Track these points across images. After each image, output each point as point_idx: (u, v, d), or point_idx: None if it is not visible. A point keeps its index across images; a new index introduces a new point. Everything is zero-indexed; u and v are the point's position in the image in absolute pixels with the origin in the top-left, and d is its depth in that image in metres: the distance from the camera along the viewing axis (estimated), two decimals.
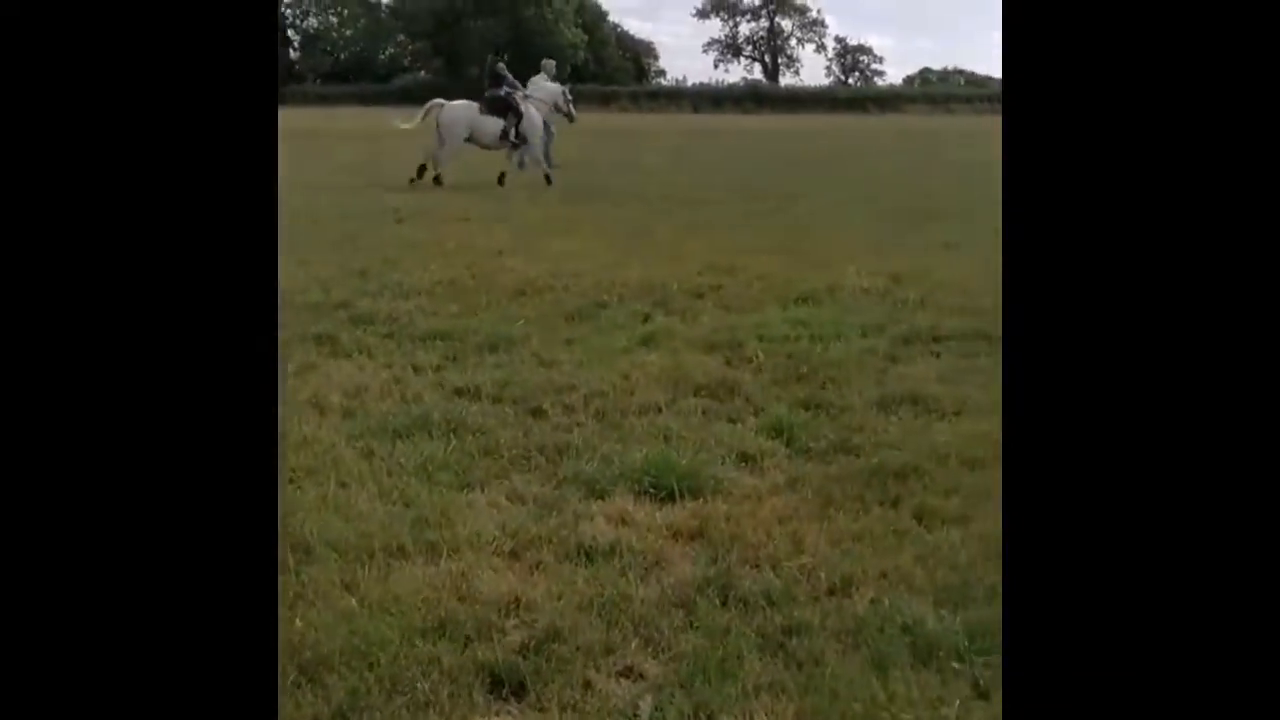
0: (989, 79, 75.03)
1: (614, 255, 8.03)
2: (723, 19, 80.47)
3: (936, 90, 65.58)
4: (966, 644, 2.44)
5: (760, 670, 2.38)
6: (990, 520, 3.13)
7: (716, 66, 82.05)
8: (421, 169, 14.20)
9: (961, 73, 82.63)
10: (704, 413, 4.26)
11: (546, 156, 15.36)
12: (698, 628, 2.55)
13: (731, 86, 68.10)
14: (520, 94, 15.12)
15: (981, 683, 2.33)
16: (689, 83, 71.62)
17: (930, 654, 2.43)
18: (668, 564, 2.90)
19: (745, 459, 3.74)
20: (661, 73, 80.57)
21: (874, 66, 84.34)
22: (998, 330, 5.55)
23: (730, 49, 79.92)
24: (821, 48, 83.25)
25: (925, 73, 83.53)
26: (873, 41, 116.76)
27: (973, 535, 3.05)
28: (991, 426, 4.01)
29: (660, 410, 4.28)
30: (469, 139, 14.61)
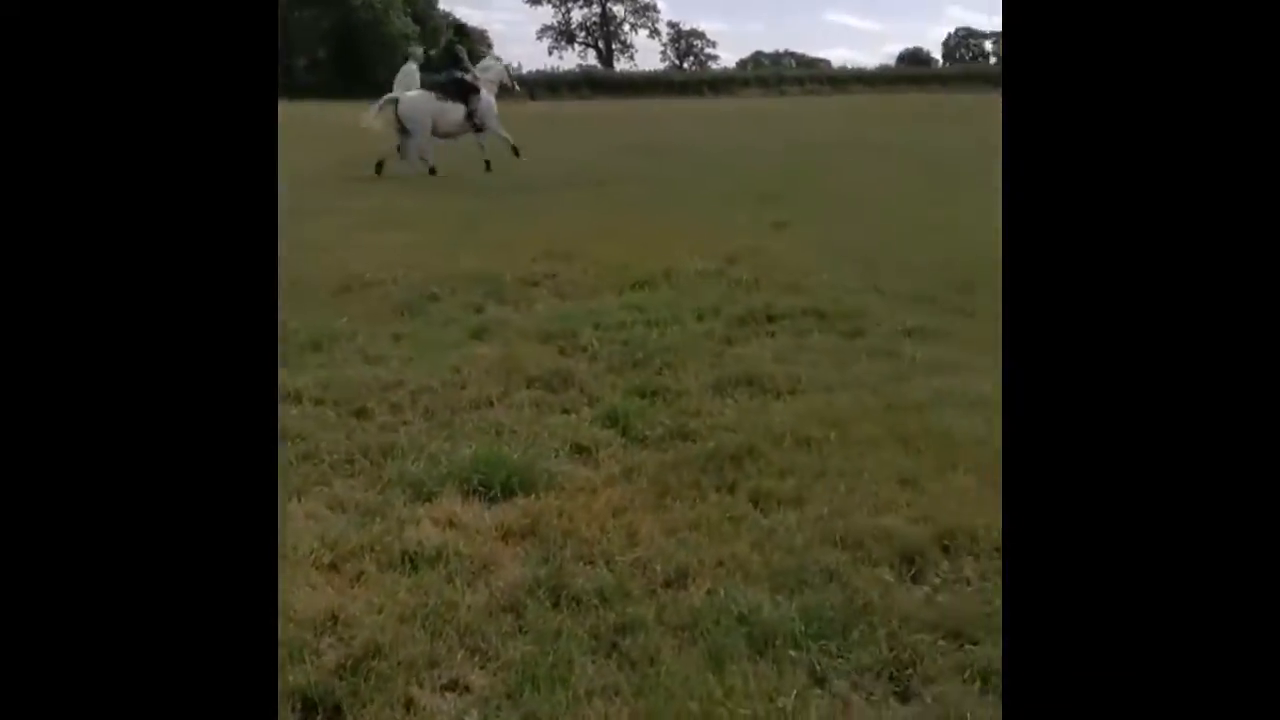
0: (818, 61, 76.97)
1: (448, 245, 7.81)
2: (554, 5, 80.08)
3: (769, 73, 66.65)
4: (802, 629, 2.39)
5: (593, 673, 2.28)
6: (823, 500, 3.11)
7: (551, 53, 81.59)
8: (379, 165, 13.70)
9: (792, 55, 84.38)
10: (537, 405, 4.14)
11: (503, 137, 14.70)
12: (527, 633, 2.43)
13: (567, 73, 67.78)
14: (470, 76, 14.53)
15: (818, 669, 2.28)
16: (524, 70, 71.08)
17: (767, 643, 2.37)
18: (497, 567, 2.77)
19: (580, 451, 3.63)
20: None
21: (708, 51, 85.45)
22: (830, 307, 5.61)
23: (564, 35, 79.62)
24: (655, 33, 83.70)
25: (758, 56, 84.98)
26: (706, 26, 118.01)
27: (808, 517, 3.01)
28: (825, 403, 4.02)
29: (492, 404, 4.14)
30: (434, 129, 14.03)
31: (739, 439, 3.62)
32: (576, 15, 79.53)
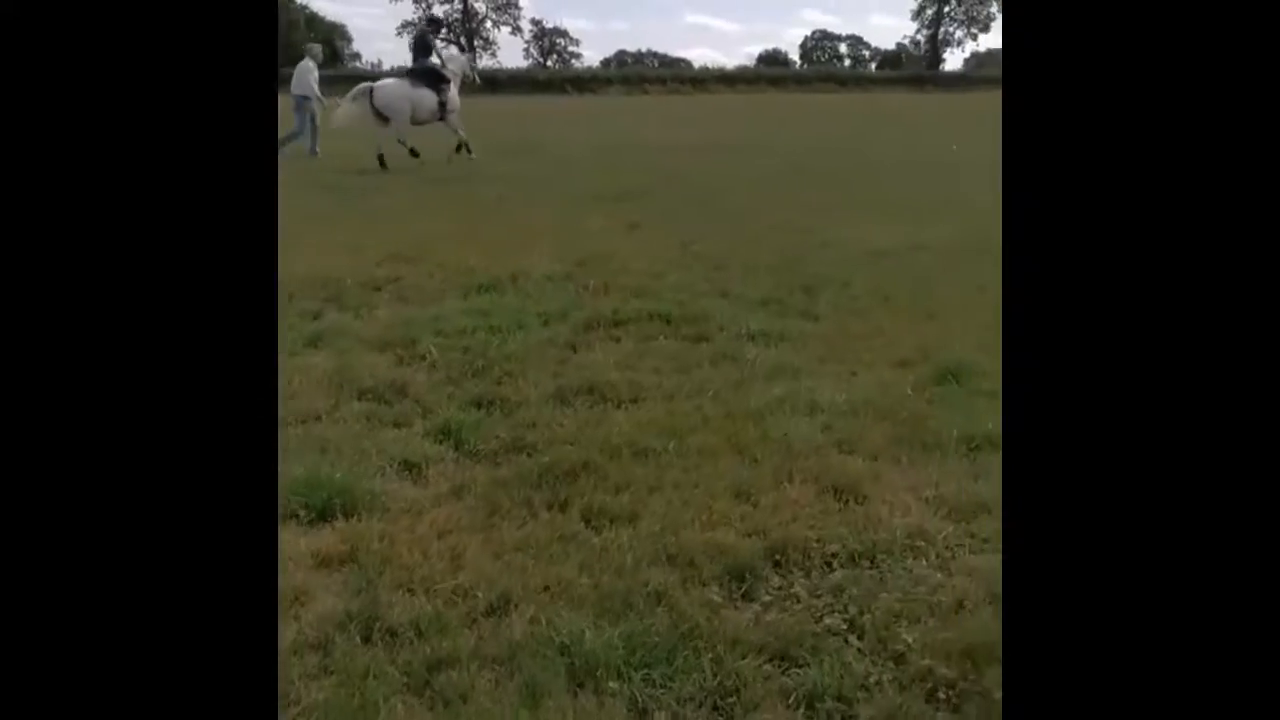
0: (680, 60, 77.60)
1: (287, 248, 7.49)
2: (415, 1, 78.71)
3: (631, 72, 66.86)
4: (625, 659, 2.30)
5: (402, 715, 2.14)
6: (657, 516, 3.03)
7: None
8: (381, 158, 13.91)
9: (655, 54, 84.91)
10: (368, 418, 3.95)
11: (459, 133, 14.97)
12: (333, 673, 2.28)
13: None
14: (442, 65, 14.85)
15: (639, 701, 2.19)
16: (385, 66, 69.56)
17: (588, 674, 2.27)
18: (308, 599, 2.60)
19: (409, 467, 3.47)
20: (356, 56, 77.94)
21: (571, 49, 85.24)
22: (676, 311, 5.55)
23: None
24: (518, 30, 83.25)
25: (621, 55, 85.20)
26: (569, 24, 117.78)
27: (640, 534, 2.92)
28: (665, 412, 3.95)
29: (320, 419, 3.93)
30: (412, 117, 14.24)
31: (576, 452, 3.52)
32: (438, 11, 78.23)
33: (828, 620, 2.49)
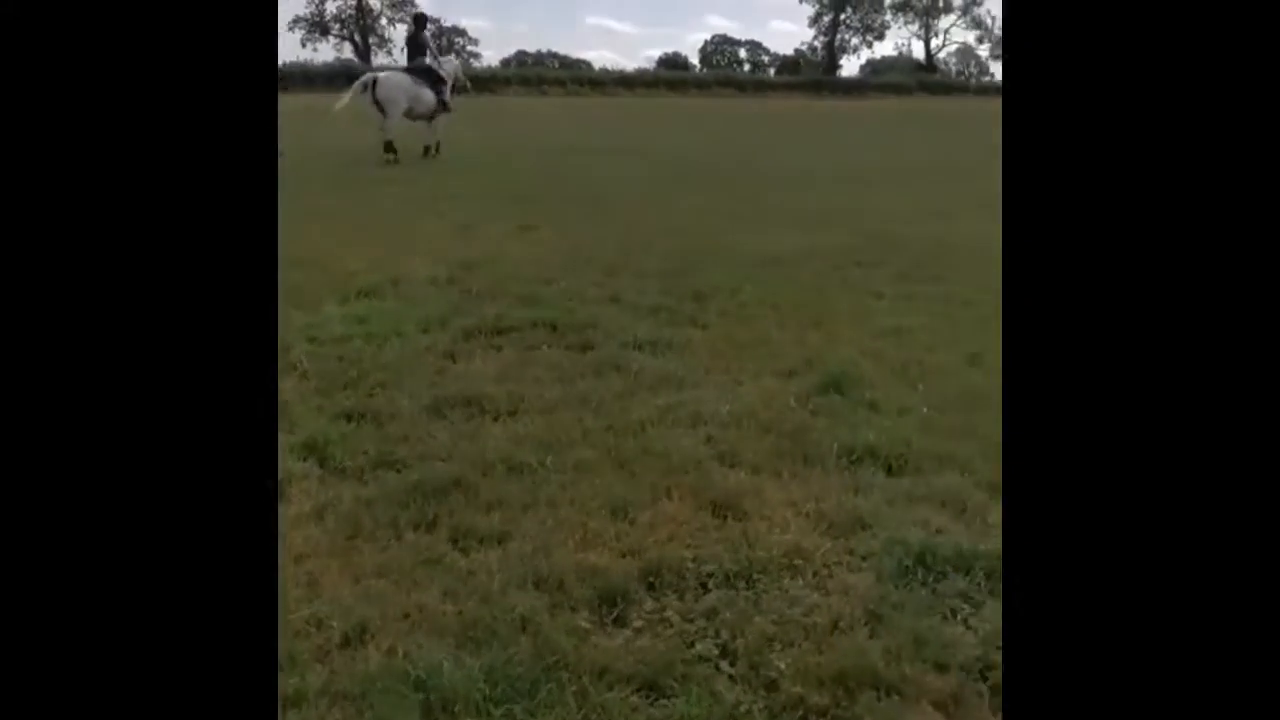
0: (580, 62, 77.45)
1: None
2: None
3: (531, 73, 66.42)
4: (485, 693, 2.18)
5: None
6: (529, 536, 2.91)
7: (304, 45, 77.70)
8: (389, 145, 14.26)
9: (555, 55, 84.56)
10: None
11: (436, 135, 15.36)
12: None
13: (325, 66, 65.29)
14: (438, 67, 15.25)
15: None
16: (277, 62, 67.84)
17: (445, 711, 2.14)
18: None
19: None
20: None
21: (470, 48, 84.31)
22: (562, 318, 5.43)
23: (317, 27, 76.33)
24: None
25: (521, 55, 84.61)
26: (468, 23, 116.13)
27: (510, 556, 2.80)
28: (544, 425, 3.83)
29: None
30: (407, 112, 14.59)
31: (447, 468, 3.38)
32: (331, 7, 76.55)
33: (700, 646, 2.40)
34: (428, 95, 14.86)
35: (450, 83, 15.50)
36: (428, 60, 15.27)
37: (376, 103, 14.41)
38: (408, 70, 15.09)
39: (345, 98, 14.67)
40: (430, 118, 15.19)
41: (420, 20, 16.42)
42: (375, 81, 14.50)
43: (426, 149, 15.15)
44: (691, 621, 2.51)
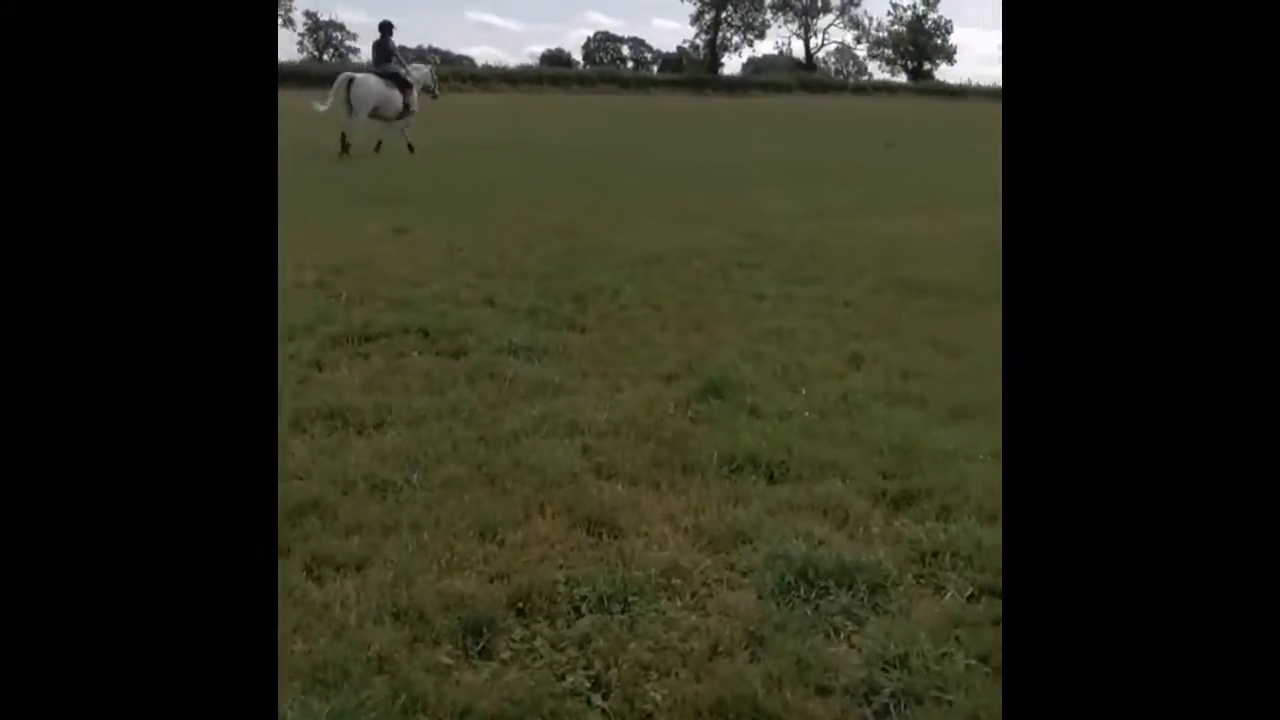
0: (462, 58, 76.45)
1: None
2: None
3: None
4: None
5: None
6: (390, 562, 2.72)
7: None
8: (344, 138, 14.89)
9: (436, 51, 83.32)
10: None
11: (407, 137, 15.96)
12: None
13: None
14: (405, 73, 16.03)
15: None
16: None
17: None
18: None
19: None
20: None
21: (348, 43, 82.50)
22: (435, 323, 5.22)
23: None
24: (290, 23, 79.70)
25: (402, 51, 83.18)
26: (346, 18, 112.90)
27: (370, 584, 2.61)
28: (411, 438, 3.63)
29: None
30: (373, 112, 15.30)
31: (304, 488, 3.16)
32: None
33: (570, 679, 2.25)
34: (396, 98, 15.65)
35: (417, 89, 16.25)
36: (394, 66, 16.04)
37: (348, 100, 15.13)
38: (380, 74, 15.80)
39: (329, 98, 15.33)
40: (393, 120, 15.88)
41: (386, 27, 16.79)
42: (352, 80, 15.26)
43: (379, 144, 15.73)
44: (562, 651, 2.36)
